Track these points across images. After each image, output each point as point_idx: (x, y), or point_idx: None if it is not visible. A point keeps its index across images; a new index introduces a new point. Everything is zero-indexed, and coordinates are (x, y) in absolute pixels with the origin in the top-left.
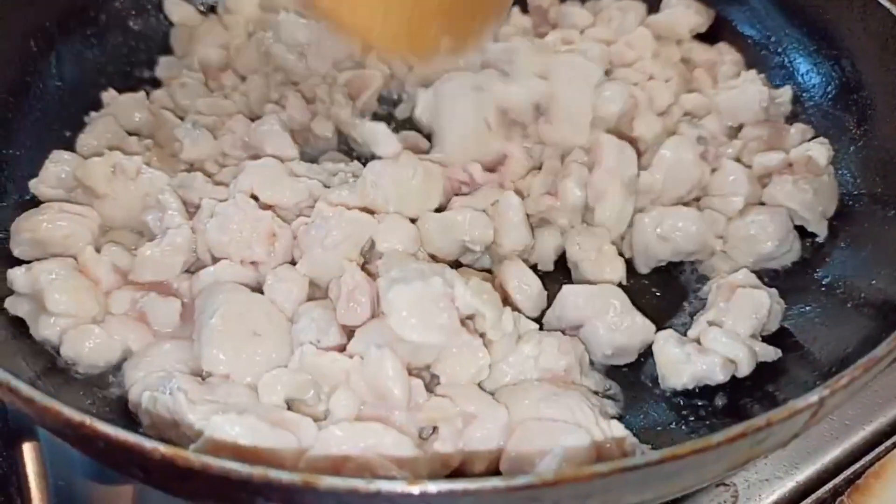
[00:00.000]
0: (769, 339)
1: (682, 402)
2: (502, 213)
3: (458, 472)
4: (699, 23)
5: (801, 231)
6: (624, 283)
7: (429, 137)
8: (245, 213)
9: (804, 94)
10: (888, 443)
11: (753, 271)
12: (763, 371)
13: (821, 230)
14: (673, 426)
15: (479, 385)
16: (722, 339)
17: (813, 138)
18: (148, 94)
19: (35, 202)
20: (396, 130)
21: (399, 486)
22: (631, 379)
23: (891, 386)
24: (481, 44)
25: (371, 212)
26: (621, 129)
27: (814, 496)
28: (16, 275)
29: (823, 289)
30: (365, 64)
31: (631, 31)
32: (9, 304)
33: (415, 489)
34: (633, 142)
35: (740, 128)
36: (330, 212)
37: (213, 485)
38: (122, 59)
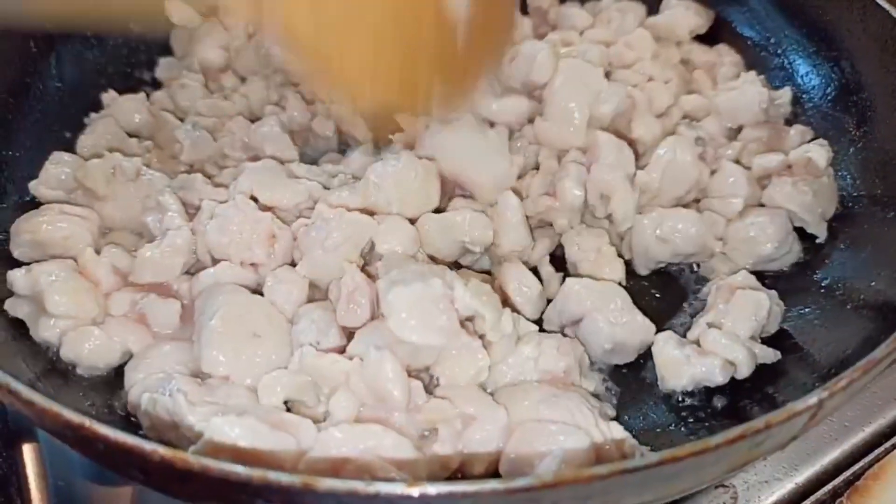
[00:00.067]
0: (768, 341)
1: (681, 404)
2: (501, 213)
3: (457, 474)
4: (699, 24)
5: (801, 233)
6: (623, 284)
7: None
8: (245, 215)
9: (804, 96)
10: (887, 444)
11: (753, 273)
12: (762, 373)
13: (820, 232)
14: (672, 428)
15: (479, 386)
16: (721, 341)
17: (812, 140)
18: (148, 95)
19: (35, 203)
20: None
21: (398, 488)
22: (630, 380)
23: (890, 387)
24: (474, 97)
25: (371, 213)
26: (620, 130)
27: (813, 497)
28: (16, 276)
29: (823, 290)
30: None
31: (630, 33)
32: (9, 305)
33: (414, 491)
34: (631, 143)
35: (740, 129)
36: (330, 213)
37: (212, 487)
38: (123, 60)
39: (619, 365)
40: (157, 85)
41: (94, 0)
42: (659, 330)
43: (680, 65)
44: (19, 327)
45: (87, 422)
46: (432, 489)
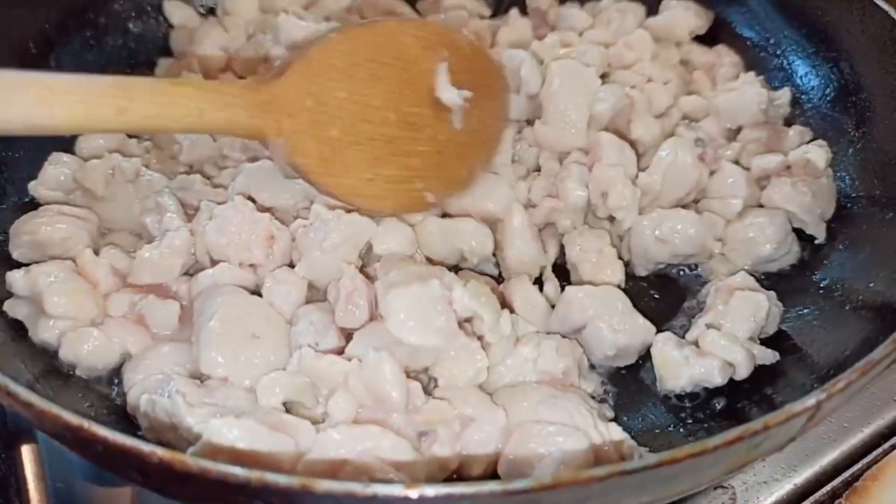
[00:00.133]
0: (767, 342)
1: (680, 405)
2: (507, 224)
3: (455, 475)
4: (698, 25)
5: (800, 233)
6: (623, 285)
7: None
8: (243, 216)
9: (803, 97)
10: (886, 445)
11: (752, 274)
12: (761, 374)
13: (819, 232)
14: (671, 429)
15: (478, 388)
16: (720, 342)
17: (811, 141)
18: None
19: (34, 204)
20: None
21: (396, 490)
22: (629, 381)
23: (888, 388)
24: (467, 191)
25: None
26: (619, 131)
27: (812, 498)
28: (15, 277)
29: (822, 291)
30: None
31: (630, 33)
32: (7, 306)
33: (412, 493)
34: (631, 144)
35: (739, 130)
36: (328, 214)
37: (210, 488)
38: (122, 60)
39: (618, 366)
40: None
41: None
42: (658, 331)
43: (679, 65)
44: (18, 328)
45: (86, 423)
46: (430, 491)
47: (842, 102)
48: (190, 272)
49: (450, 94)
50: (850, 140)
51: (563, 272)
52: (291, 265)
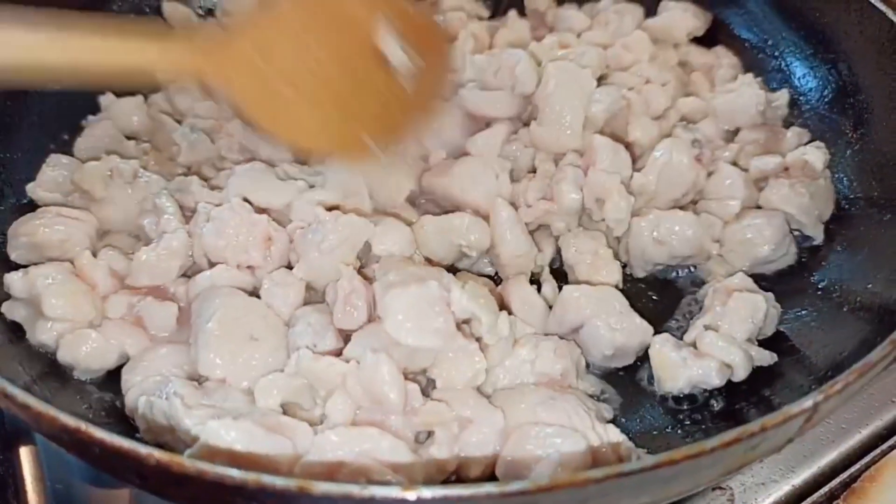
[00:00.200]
0: (765, 343)
1: (678, 406)
2: (495, 221)
3: (454, 477)
4: (696, 26)
5: (798, 235)
6: (620, 286)
7: None
8: (241, 218)
9: (801, 98)
10: (884, 446)
11: (750, 275)
12: (759, 375)
13: (817, 234)
14: (669, 430)
15: (476, 389)
16: (718, 343)
17: (809, 142)
18: (146, 97)
19: (32, 206)
20: None
21: (394, 492)
22: (627, 383)
23: (887, 390)
24: (413, 140)
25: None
26: (617, 132)
27: (810, 500)
28: (13, 279)
29: (819, 293)
30: None
31: (628, 35)
32: (5, 308)
33: (409, 495)
34: (628, 146)
35: (737, 131)
36: (326, 216)
37: (208, 490)
38: None
39: (615, 367)
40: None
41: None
42: (656, 332)
43: (677, 67)
44: (16, 330)
45: (83, 425)
46: (427, 493)
47: (840, 104)
48: (188, 274)
49: (390, 48)
50: (848, 141)
51: (562, 275)
52: (289, 267)
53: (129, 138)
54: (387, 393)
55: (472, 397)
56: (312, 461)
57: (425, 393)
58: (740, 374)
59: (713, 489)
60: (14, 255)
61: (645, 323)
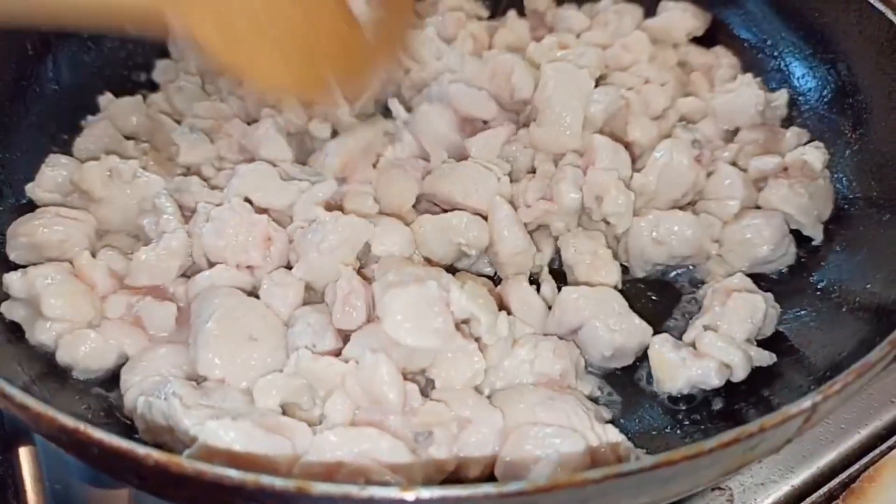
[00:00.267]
0: (764, 343)
1: (677, 407)
2: (493, 219)
3: (452, 477)
4: (696, 26)
5: (797, 235)
6: (620, 286)
7: None
8: (241, 218)
9: (800, 98)
10: (883, 446)
11: (749, 275)
12: (758, 375)
13: (816, 234)
14: (668, 430)
15: (475, 389)
16: (717, 344)
17: (809, 142)
18: (145, 97)
19: (31, 206)
20: None
21: (392, 492)
22: (626, 383)
23: (886, 390)
24: (370, 84)
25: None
26: (616, 133)
27: (809, 500)
28: (12, 279)
29: (819, 293)
30: None
31: (627, 35)
32: (4, 308)
33: (408, 495)
34: (628, 146)
35: (736, 131)
36: (326, 216)
37: (206, 491)
38: (120, 62)
39: (615, 368)
40: (153, 87)
41: None
42: (655, 332)
43: (677, 67)
44: (15, 330)
45: (82, 426)
46: (426, 493)
47: (839, 104)
48: (187, 274)
49: None
50: (847, 142)
51: (561, 275)
52: (289, 267)
53: (128, 138)
54: (386, 393)
55: (471, 397)
56: (311, 461)
57: (424, 393)
58: (739, 375)
59: (712, 489)
60: (13, 256)
61: (644, 323)
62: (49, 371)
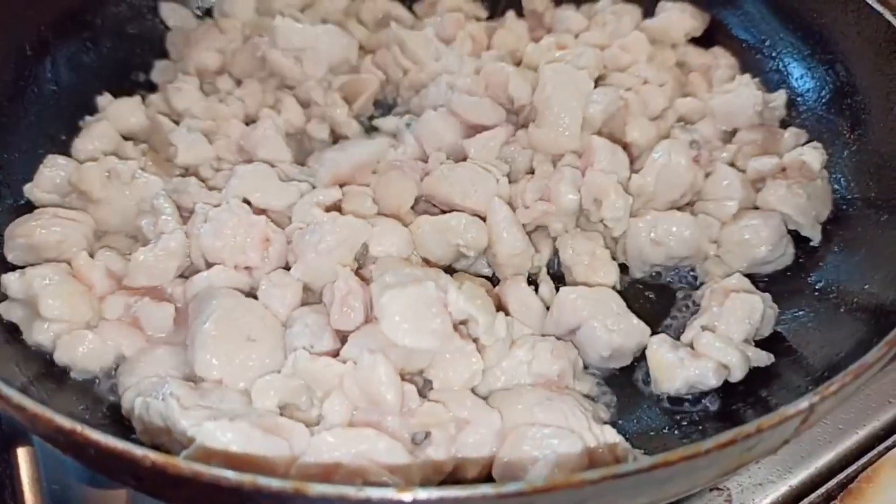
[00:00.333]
0: (762, 344)
1: (674, 407)
2: (492, 220)
3: (451, 478)
4: (694, 27)
5: (795, 235)
6: (618, 287)
7: None
8: (239, 219)
9: (798, 99)
10: (881, 447)
11: (747, 276)
12: (756, 376)
13: (814, 235)
14: (666, 431)
15: (473, 390)
16: (715, 344)
17: (807, 143)
18: (143, 98)
19: (30, 207)
20: None
21: (389, 493)
22: (624, 383)
23: (883, 390)
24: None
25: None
26: (614, 133)
27: (807, 500)
28: (9, 280)
29: (817, 293)
30: (360, 69)
31: (626, 35)
32: (2, 309)
33: (405, 496)
34: (626, 147)
35: (734, 132)
36: (324, 217)
37: (204, 492)
38: (118, 63)
39: (613, 368)
40: (152, 88)
41: None
42: (653, 333)
43: (675, 67)
44: (13, 331)
45: (79, 427)
46: (423, 494)
47: (837, 105)
48: (185, 275)
49: None
50: (845, 142)
51: (559, 276)
52: (287, 267)
53: (126, 139)
54: (384, 394)
55: (468, 398)
56: (309, 462)
57: (422, 394)
58: (737, 375)
59: (710, 490)
60: (11, 257)
61: (642, 324)
62: (47, 372)
